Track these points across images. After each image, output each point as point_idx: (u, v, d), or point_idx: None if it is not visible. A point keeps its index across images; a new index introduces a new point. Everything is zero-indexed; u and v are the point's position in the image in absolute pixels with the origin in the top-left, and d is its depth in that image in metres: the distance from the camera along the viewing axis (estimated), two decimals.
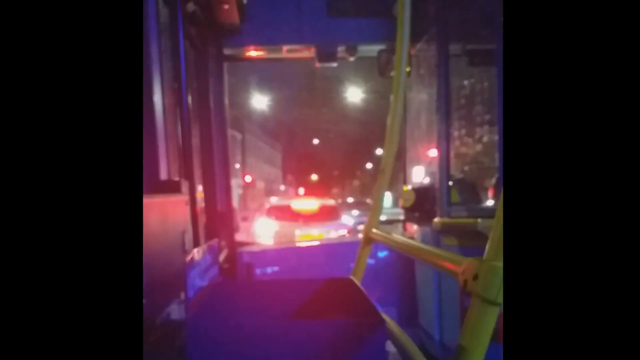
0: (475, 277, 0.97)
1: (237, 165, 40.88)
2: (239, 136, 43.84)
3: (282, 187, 54.80)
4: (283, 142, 58.28)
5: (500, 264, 0.93)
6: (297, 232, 10.11)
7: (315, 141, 47.54)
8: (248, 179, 31.81)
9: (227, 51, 3.28)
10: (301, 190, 47.93)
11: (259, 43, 3.33)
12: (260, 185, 50.11)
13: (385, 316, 1.41)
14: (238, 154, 43.39)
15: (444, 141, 2.88)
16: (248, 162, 46.01)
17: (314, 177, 59.90)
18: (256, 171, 50.10)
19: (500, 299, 0.93)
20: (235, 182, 37.80)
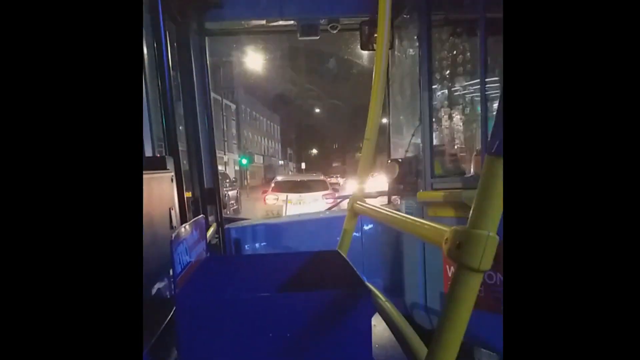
0: (459, 246, 0.99)
1: (233, 142, 38.88)
2: (232, 106, 40.97)
3: (281, 162, 52.56)
4: (281, 114, 55.33)
5: (483, 232, 0.95)
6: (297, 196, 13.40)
7: (317, 110, 45.59)
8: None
9: (208, 25, 3.23)
10: (303, 165, 47.27)
11: (240, 17, 3.28)
12: (259, 159, 48.00)
13: (371, 287, 1.44)
14: (232, 127, 40.24)
15: (428, 113, 2.89)
16: (244, 136, 43.61)
17: (314, 151, 58.18)
18: (253, 145, 47.48)
19: (483, 266, 0.95)
20: (231, 158, 35.91)
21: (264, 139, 51.94)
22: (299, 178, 15.90)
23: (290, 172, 47.17)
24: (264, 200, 14.38)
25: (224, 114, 35.79)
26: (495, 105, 2.57)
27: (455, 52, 3.35)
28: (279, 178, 15.61)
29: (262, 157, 49.78)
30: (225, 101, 36.81)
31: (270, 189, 14.56)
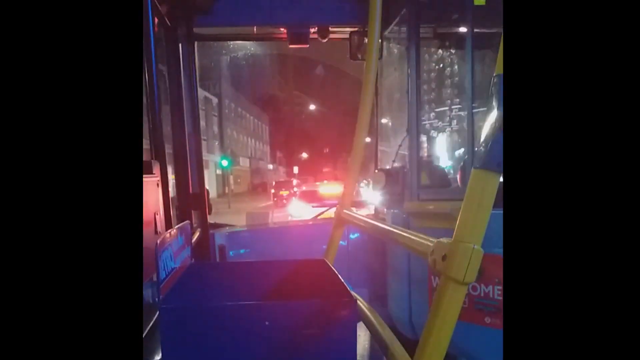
0: (444, 258, 0.99)
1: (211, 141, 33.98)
2: (214, 100, 35.83)
3: (271, 166, 49.43)
4: (270, 113, 51.31)
5: (469, 244, 0.95)
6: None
7: (312, 107, 42.68)
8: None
9: (197, 30, 3.22)
10: (295, 169, 44.71)
11: (230, 23, 3.28)
12: (245, 163, 43.72)
13: (356, 296, 1.44)
14: (214, 125, 35.41)
15: (415, 124, 2.91)
16: (227, 134, 38.92)
17: (304, 155, 55.36)
18: (238, 146, 42.56)
19: (468, 279, 0.96)
20: (212, 160, 31.10)
21: (251, 139, 47.60)
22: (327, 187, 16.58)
23: (281, 178, 44.30)
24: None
25: (203, 107, 30.55)
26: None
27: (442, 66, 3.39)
28: (304, 188, 16.67)
29: (248, 160, 45.64)
30: (205, 93, 32.35)
31: (298, 196, 15.60)
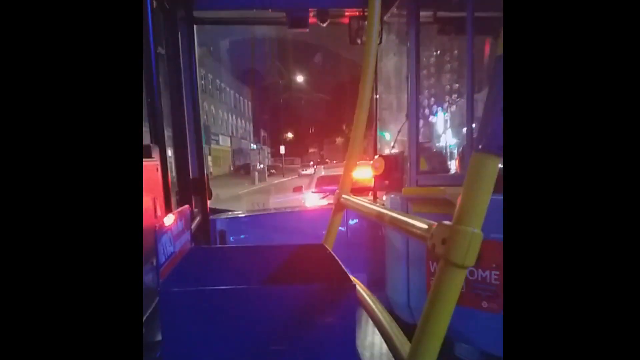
0: (444, 241, 0.99)
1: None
2: None
3: (254, 146, 44.90)
4: (253, 88, 47.24)
5: (468, 228, 0.96)
6: None
7: (300, 78, 38.84)
8: None
9: (197, 14, 3.20)
10: (282, 149, 42.14)
11: (229, 6, 3.25)
12: (225, 142, 40.00)
13: (355, 281, 1.45)
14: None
15: (414, 109, 2.90)
16: (205, 109, 33.40)
17: (290, 135, 51.55)
18: (217, 123, 38.52)
19: (468, 262, 0.96)
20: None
21: (232, 116, 42.42)
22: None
23: (267, 159, 40.77)
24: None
25: None
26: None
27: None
28: (323, 172, 10.67)
29: (229, 139, 40.62)
30: None
31: (314, 186, 9.78)
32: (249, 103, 47.90)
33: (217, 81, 39.04)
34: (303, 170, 41.35)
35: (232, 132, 42.57)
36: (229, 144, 40.40)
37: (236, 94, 43.79)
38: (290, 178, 34.85)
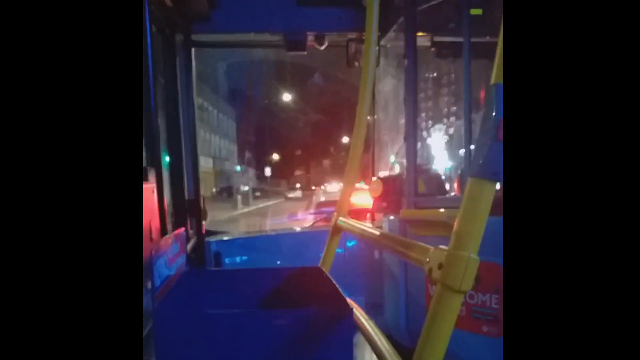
0: (440, 266, 0.99)
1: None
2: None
3: (239, 168, 43.06)
4: (238, 109, 45.49)
5: (464, 253, 0.95)
6: None
7: (286, 97, 37.31)
8: None
9: (195, 37, 3.23)
10: (267, 171, 41.59)
11: (227, 30, 3.29)
12: (207, 163, 37.36)
13: (353, 304, 1.43)
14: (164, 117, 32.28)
15: (412, 132, 2.91)
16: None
17: (275, 156, 49.98)
18: (199, 143, 38.28)
19: (464, 287, 0.96)
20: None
21: (215, 136, 40.98)
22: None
23: (252, 181, 39.68)
24: None
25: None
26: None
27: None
28: (322, 197, 10.04)
29: (211, 160, 38.88)
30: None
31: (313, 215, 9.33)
32: (234, 124, 46.91)
33: (200, 100, 37.25)
34: (289, 194, 41.31)
35: (215, 153, 41.45)
36: (211, 166, 38.90)
37: (220, 114, 42.94)
38: (276, 201, 34.42)
